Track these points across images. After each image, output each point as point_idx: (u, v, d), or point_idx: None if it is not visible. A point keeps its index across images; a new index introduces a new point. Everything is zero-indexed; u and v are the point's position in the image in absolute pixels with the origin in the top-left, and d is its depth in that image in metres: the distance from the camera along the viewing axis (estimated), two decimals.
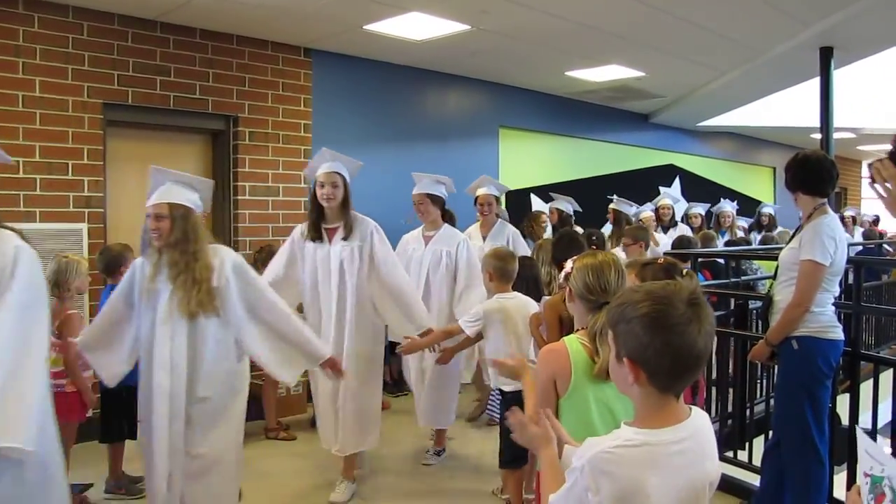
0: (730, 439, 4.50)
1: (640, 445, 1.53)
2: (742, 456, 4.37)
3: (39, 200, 5.14)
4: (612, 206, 7.62)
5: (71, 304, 4.22)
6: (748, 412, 4.59)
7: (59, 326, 3.97)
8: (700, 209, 8.56)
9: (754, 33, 6.39)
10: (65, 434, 3.26)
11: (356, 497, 4.40)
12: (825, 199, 3.57)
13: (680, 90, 8.87)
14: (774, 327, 3.57)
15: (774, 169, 13.09)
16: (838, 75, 6.86)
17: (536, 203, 8.41)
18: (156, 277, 3.29)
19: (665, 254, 5.33)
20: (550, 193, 7.59)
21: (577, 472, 1.53)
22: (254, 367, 3.58)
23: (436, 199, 5.13)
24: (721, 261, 5.87)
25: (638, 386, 1.57)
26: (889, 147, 2.23)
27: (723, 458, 4.33)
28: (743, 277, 5.58)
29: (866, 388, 3.91)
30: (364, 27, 5.98)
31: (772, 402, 4.46)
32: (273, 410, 5.59)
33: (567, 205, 7.16)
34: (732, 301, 5.08)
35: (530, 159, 8.81)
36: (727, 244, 7.63)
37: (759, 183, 12.91)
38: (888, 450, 1.70)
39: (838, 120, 7.30)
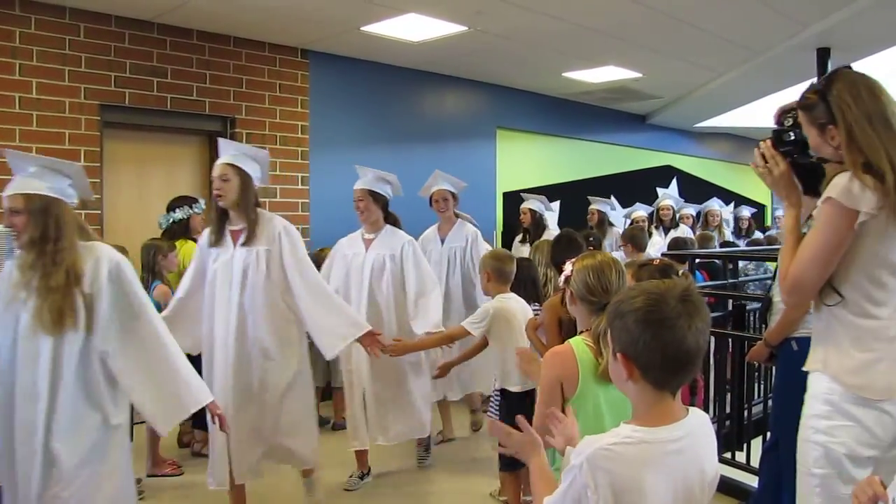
0: (728, 440, 4.49)
1: (638, 443, 1.54)
2: (740, 457, 4.35)
3: None
4: (592, 206, 7.66)
5: None
6: (746, 413, 4.58)
7: None
8: (691, 210, 8.53)
9: (751, 34, 6.40)
10: None
11: (353, 498, 4.39)
12: None
13: (677, 91, 8.87)
14: (774, 328, 3.55)
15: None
16: None
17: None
18: (21, 283, 2.68)
19: (663, 254, 5.34)
20: (521, 194, 7.39)
21: (576, 470, 1.53)
22: None
23: (378, 198, 4.58)
24: (718, 261, 5.87)
25: (633, 382, 1.59)
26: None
27: (721, 460, 4.31)
28: (741, 278, 5.58)
29: None
30: (361, 28, 5.98)
31: (770, 403, 4.45)
32: None
33: (539, 204, 7.05)
34: (730, 302, 5.08)
35: (528, 160, 8.81)
36: (722, 245, 7.64)
37: (757, 184, 12.86)
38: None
39: None
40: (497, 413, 4.03)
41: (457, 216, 5.60)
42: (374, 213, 4.58)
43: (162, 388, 2.79)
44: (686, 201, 9.07)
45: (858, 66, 2.30)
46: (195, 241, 4.98)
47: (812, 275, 2.14)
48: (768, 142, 2.30)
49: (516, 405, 3.58)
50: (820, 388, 2.18)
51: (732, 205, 9.22)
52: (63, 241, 2.67)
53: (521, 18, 5.78)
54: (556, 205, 7.66)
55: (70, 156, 5.25)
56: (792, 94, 2.47)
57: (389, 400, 4.51)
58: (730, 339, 4.73)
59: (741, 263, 5.84)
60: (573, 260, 2.49)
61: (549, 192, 8.54)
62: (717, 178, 11.76)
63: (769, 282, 3.82)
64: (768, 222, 12.37)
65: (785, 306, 2.30)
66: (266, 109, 6.36)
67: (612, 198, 8.23)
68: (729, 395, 4.71)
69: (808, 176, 2.32)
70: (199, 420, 4.36)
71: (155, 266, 4.66)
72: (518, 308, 3.92)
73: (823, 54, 6.57)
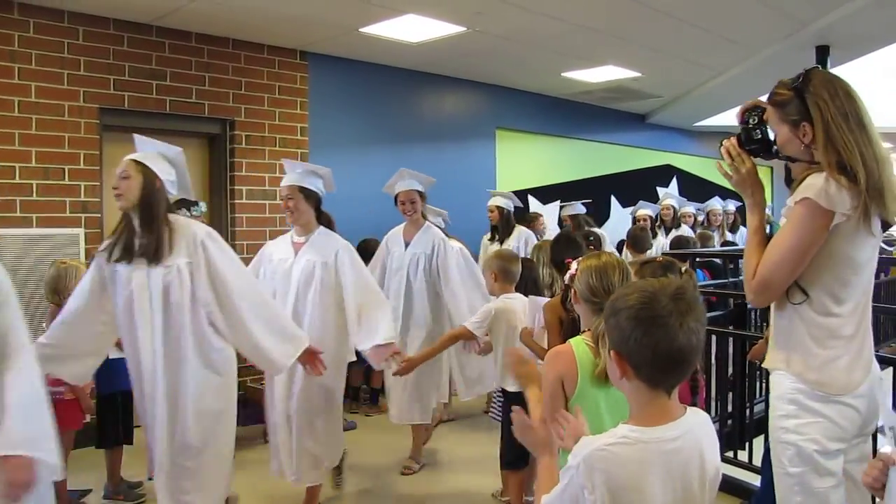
0: (730, 439, 4.49)
1: (634, 443, 1.54)
2: (742, 456, 4.36)
3: (36, 206, 5.13)
4: (564, 213, 7.42)
5: None
6: (748, 412, 4.58)
7: None
8: (692, 208, 8.53)
9: (750, 32, 6.40)
10: (63, 441, 3.24)
11: (348, 500, 4.39)
12: None
13: (676, 90, 8.87)
14: None
15: (772, 168, 13.07)
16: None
17: (534, 205, 8.41)
18: None
19: (664, 253, 5.34)
20: (488, 191, 7.08)
21: (573, 471, 1.54)
22: (255, 370, 3.57)
23: (309, 195, 4.02)
24: (719, 260, 5.87)
25: (627, 380, 1.59)
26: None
27: (723, 458, 4.28)
28: (741, 277, 5.57)
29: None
30: (360, 30, 5.98)
31: None
32: None
33: (507, 201, 6.79)
34: (731, 301, 5.08)
35: (528, 161, 8.80)
36: (723, 245, 7.64)
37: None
38: (889, 448, 1.70)
39: None
40: (500, 413, 4.03)
41: (424, 218, 5.13)
42: (305, 214, 4.02)
43: None
44: (687, 200, 9.08)
45: (857, 63, 2.31)
46: None
47: (782, 275, 2.15)
48: (733, 140, 2.30)
49: (516, 404, 3.58)
50: (784, 388, 2.20)
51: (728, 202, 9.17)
52: None
53: (520, 19, 5.78)
54: (554, 205, 7.66)
55: (69, 159, 5.27)
56: None
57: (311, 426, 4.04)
58: (731, 338, 4.73)
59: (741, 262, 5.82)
60: (579, 259, 2.49)
61: (549, 192, 8.57)
62: (716, 176, 11.73)
63: None
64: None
65: (752, 306, 2.32)
66: (265, 111, 6.36)
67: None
68: (731, 394, 4.71)
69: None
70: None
71: None
72: (520, 308, 3.92)
73: (822, 52, 6.57)
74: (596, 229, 7.34)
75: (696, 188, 10.80)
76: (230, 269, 3.24)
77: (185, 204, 5.16)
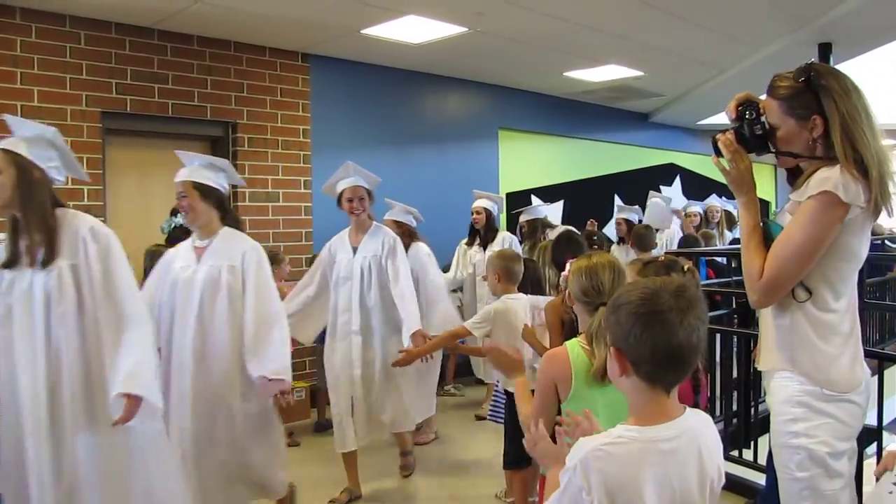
0: (735, 438, 4.48)
1: (630, 442, 1.53)
2: (747, 455, 4.34)
3: None
4: (522, 218, 7.00)
5: None
6: (753, 411, 4.57)
7: None
8: (698, 207, 8.50)
9: (752, 30, 6.38)
10: None
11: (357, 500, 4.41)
12: None
13: (679, 89, 8.86)
14: None
15: (775, 166, 13.05)
16: None
17: (537, 204, 8.39)
18: None
19: (666, 252, 5.33)
20: (474, 191, 6.65)
21: (570, 472, 1.53)
22: None
23: (208, 193, 3.42)
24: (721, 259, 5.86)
25: (626, 378, 1.59)
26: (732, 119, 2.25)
27: (728, 458, 4.30)
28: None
29: (865, 388, 3.88)
30: (361, 31, 5.98)
31: None
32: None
33: (493, 203, 6.53)
34: (735, 299, 5.07)
35: (531, 161, 8.80)
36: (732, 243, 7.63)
37: (760, 180, 12.63)
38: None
39: None
40: (500, 413, 4.03)
41: (370, 218, 4.54)
42: (204, 214, 3.43)
43: None
44: (689, 199, 9.05)
45: (859, 60, 2.29)
46: None
47: (793, 273, 2.09)
48: (730, 135, 2.21)
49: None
50: (790, 391, 2.14)
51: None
52: None
53: (521, 19, 5.77)
54: (559, 204, 7.65)
55: None
56: None
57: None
58: (735, 337, 4.72)
59: None
60: (572, 260, 2.48)
61: (553, 191, 8.57)
62: (719, 174, 11.71)
63: None
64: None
65: (753, 307, 2.23)
66: (267, 114, 6.36)
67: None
68: (735, 393, 4.70)
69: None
70: None
71: None
72: (522, 309, 3.92)
73: (825, 49, 6.55)
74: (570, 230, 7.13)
75: (699, 187, 10.79)
76: (107, 273, 2.69)
77: None
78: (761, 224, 2.19)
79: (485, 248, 6.34)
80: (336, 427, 4.40)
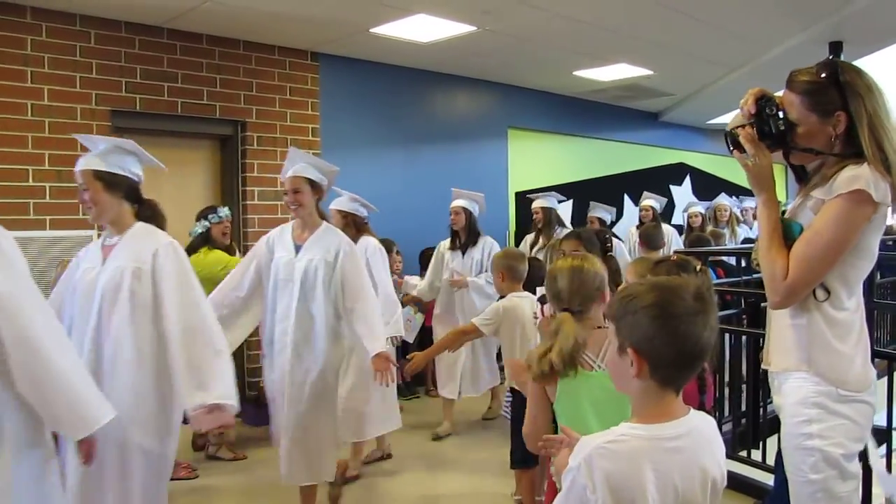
0: (743, 438, 4.46)
1: (634, 440, 1.53)
2: (756, 455, 4.33)
3: (49, 208, 5.16)
4: (536, 204, 6.89)
5: None
6: (761, 411, 4.55)
7: None
8: (700, 208, 8.40)
9: (763, 29, 6.35)
10: None
11: (362, 500, 4.39)
12: None
13: (689, 88, 8.82)
14: None
15: (785, 166, 12.99)
16: None
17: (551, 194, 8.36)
18: None
19: (676, 251, 5.31)
20: (452, 189, 6.12)
21: (574, 471, 1.52)
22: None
23: (114, 183, 2.90)
24: (728, 259, 5.83)
25: (639, 380, 1.56)
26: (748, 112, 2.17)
27: (736, 458, 4.29)
28: (755, 275, 5.53)
29: (881, 385, 3.86)
30: (370, 30, 5.98)
31: None
32: None
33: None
34: (743, 299, 5.05)
35: (540, 160, 8.78)
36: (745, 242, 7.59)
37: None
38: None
39: None
40: (510, 412, 4.03)
41: (322, 217, 3.96)
42: (111, 208, 2.92)
43: None
44: (700, 199, 9.00)
45: (870, 59, 2.26)
46: (222, 249, 5.10)
47: (820, 273, 2.05)
48: (750, 130, 2.14)
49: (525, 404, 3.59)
50: (805, 392, 2.10)
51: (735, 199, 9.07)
52: None
53: (530, 17, 5.76)
54: (568, 204, 7.61)
55: None
56: None
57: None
58: (744, 337, 4.70)
59: None
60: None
61: (562, 191, 8.51)
62: (731, 174, 11.69)
63: None
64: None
65: (773, 309, 2.18)
66: (277, 112, 6.38)
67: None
68: (744, 393, 4.69)
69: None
70: None
71: None
72: (529, 307, 3.92)
73: (836, 48, 6.52)
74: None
75: (709, 186, 10.75)
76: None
77: (205, 212, 5.20)
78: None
79: (464, 253, 5.87)
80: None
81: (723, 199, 8.51)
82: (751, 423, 4.55)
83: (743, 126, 2.15)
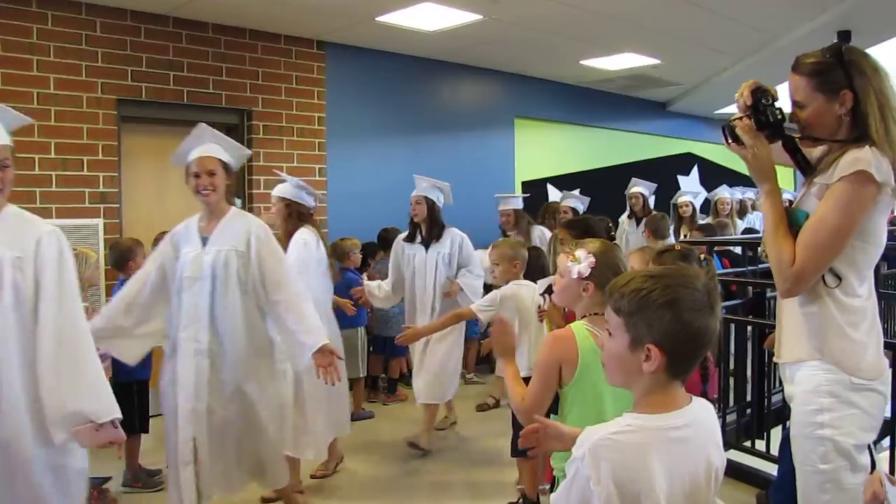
0: (747, 429, 4.46)
1: (639, 430, 1.51)
2: (760, 445, 4.32)
3: (55, 196, 5.18)
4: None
5: (85, 297, 4.24)
6: (766, 401, 4.54)
7: None
8: (688, 197, 8.18)
9: (770, 18, 6.31)
10: None
11: (372, 487, 4.41)
12: None
13: (696, 77, 8.78)
14: None
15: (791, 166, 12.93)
16: None
17: (553, 194, 8.36)
18: None
19: (680, 242, 5.30)
20: (415, 176, 5.40)
21: (578, 462, 1.51)
22: None
23: None
24: (736, 249, 5.80)
25: (653, 374, 1.54)
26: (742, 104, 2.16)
27: (740, 448, 4.29)
28: (760, 266, 5.51)
29: (887, 377, 3.84)
30: (376, 19, 5.97)
31: None
32: None
33: (438, 192, 5.30)
34: (749, 289, 5.03)
35: (547, 150, 8.76)
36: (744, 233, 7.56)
37: (778, 169, 12.74)
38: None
39: None
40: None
41: (230, 203, 3.49)
42: None
43: None
44: (707, 190, 8.93)
45: (879, 48, 2.24)
46: None
47: (828, 258, 2.03)
48: (748, 120, 2.12)
49: None
50: (818, 380, 2.07)
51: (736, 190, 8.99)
52: None
53: (536, 6, 5.74)
54: (575, 192, 7.57)
55: (88, 150, 5.32)
56: None
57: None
58: (749, 327, 4.69)
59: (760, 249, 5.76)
60: (588, 250, 2.39)
61: (569, 180, 8.52)
62: (738, 164, 11.62)
63: None
64: None
65: (783, 297, 2.16)
66: (282, 101, 6.38)
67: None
68: (749, 383, 4.68)
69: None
70: None
71: None
72: (528, 295, 3.92)
73: (844, 37, 6.46)
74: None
75: (716, 176, 10.70)
76: None
77: None
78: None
79: (427, 247, 5.16)
80: (170, 485, 3.33)
81: (723, 192, 8.42)
82: (755, 413, 4.54)
83: (740, 118, 2.14)
